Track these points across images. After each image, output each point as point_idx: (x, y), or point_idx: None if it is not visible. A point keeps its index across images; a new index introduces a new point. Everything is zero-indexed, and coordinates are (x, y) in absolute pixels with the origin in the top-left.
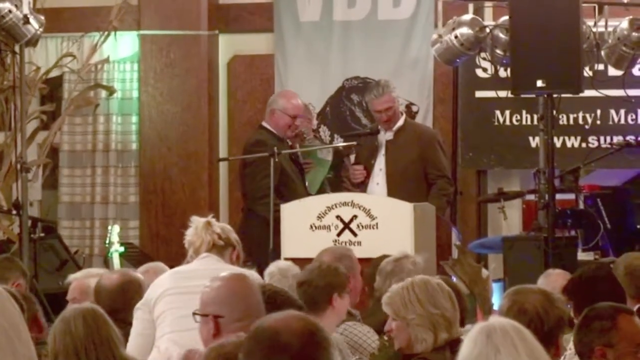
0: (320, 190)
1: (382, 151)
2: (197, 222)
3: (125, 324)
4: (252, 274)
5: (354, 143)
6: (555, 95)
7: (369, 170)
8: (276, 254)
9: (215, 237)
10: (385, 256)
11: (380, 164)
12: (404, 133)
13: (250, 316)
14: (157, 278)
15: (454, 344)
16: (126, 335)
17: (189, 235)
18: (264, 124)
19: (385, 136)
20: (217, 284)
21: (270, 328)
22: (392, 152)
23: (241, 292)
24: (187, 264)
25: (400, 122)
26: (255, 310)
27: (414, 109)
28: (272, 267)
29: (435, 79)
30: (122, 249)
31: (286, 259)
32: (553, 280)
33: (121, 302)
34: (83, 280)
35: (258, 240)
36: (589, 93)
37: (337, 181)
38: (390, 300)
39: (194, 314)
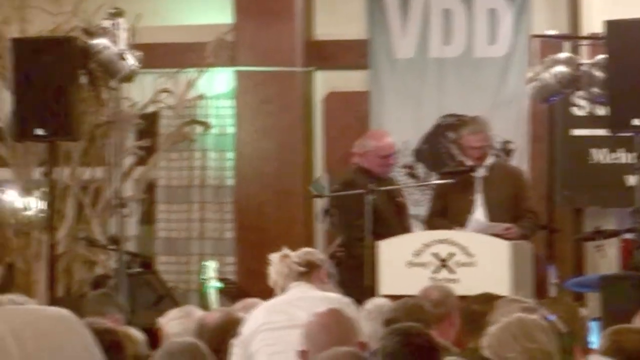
0: None
1: (479, 187)
2: (274, 258)
3: None
4: (348, 305)
5: (451, 180)
6: None
7: (467, 205)
8: (373, 291)
9: (295, 266)
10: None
11: (479, 199)
12: (496, 170)
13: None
14: (252, 313)
15: None
16: None
17: (271, 274)
18: (361, 163)
19: (479, 172)
20: (314, 320)
21: None
22: (488, 188)
23: (329, 327)
24: (279, 296)
25: (492, 159)
26: (344, 344)
27: (510, 146)
28: (369, 305)
29: (531, 117)
30: (218, 284)
31: (383, 296)
32: None
33: (222, 340)
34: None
35: (354, 278)
36: None
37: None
38: (488, 342)
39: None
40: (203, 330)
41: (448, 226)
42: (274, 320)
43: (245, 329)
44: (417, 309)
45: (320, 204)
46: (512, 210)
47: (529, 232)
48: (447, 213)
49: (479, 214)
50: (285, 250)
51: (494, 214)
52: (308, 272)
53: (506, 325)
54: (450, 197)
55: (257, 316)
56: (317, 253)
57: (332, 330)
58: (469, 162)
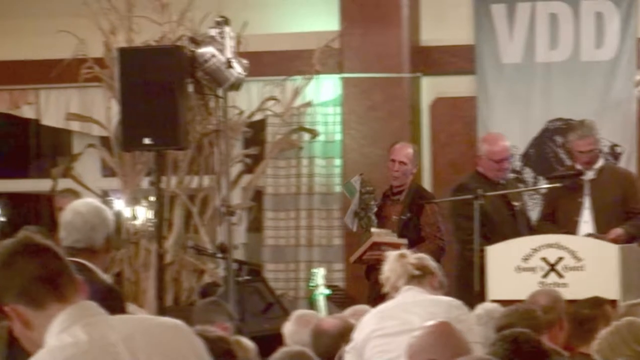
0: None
1: (587, 190)
2: (390, 256)
3: None
4: (460, 307)
5: (558, 185)
6: None
7: (575, 208)
8: (482, 296)
9: (410, 267)
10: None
11: (586, 202)
12: (605, 173)
13: None
14: (363, 319)
15: None
16: None
17: (385, 271)
18: (478, 168)
19: (587, 175)
20: (422, 332)
21: None
22: (596, 191)
23: (447, 339)
24: (390, 300)
25: (601, 162)
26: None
27: (618, 150)
28: (479, 310)
29: (638, 120)
30: (327, 291)
31: (492, 300)
32: None
33: (338, 346)
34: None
35: (465, 282)
36: None
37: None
38: (598, 346)
39: None
40: (319, 336)
41: (556, 231)
42: (386, 325)
43: (357, 336)
44: (530, 315)
45: (350, 206)
46: (620, 212)
47: (638, 232)
48: (555, 217)
49: (586, 217)
50: (404, 250)
51: (601, 217)
52: (422, 276)
53: (616, 329)
54: (559, 201)
55: (368, 322)
56: (431, 260)
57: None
58: (578, 166)
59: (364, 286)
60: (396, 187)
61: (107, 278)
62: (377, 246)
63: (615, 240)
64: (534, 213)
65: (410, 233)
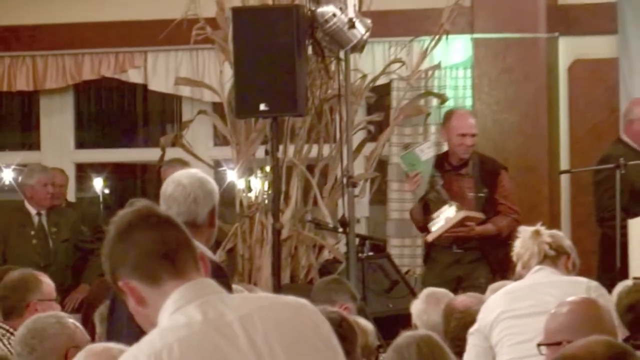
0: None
1: None
2: (524, 232)
3: None
4: (597, 288)
5: None
6: None
7: None
8: (624, 274)
9: (546, 246)
10: None
11: None
12: None
13: None
14: (489, 299)
15: None
16: None
17: (517, 247)
18: (622, 136)
19: None
20: (566, 309)
21: (573, 356)
22: None
23: (591, 318)
24: (520, 280)
25: None
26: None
27: None
28: (619, 287)
29: None
30: None
31: (635, 278)
32: None
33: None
34: None
35: (606, 259)
36: None
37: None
38: None
39: (539, 345)
40: (450, 316)
41: None
42: (517, 307)
43: (484, 317)
44: None
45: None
46: None
47: None
48: None
49: None
50: (539, 226)
51: None
52: (556, 256)
53: None
54: None
55: (497, 303)
56: (567, 239)
57: (597, 320)
58: None
59: None
60: (459, 159)
61: (211, 254)
62: (463, 222)
63: None
64: None
65: (489, 209)
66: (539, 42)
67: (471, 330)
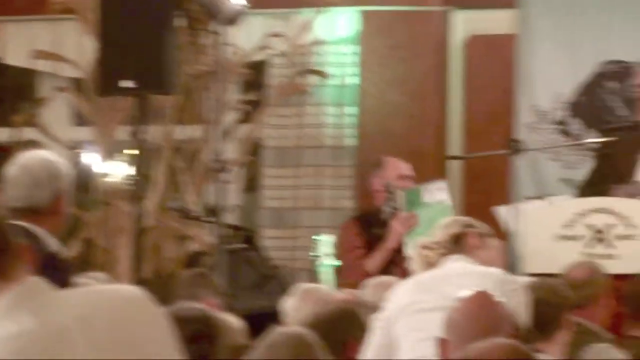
0: None
1: None
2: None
3: None
4: (513, 282)
5: (614, 139)
6: None
7: (633, 166)
8: (514, 269)
9: (434, 253)
10: None
11: None
12: None
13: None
14: (398, 288)
15: None
16: None
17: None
18: None
19: None
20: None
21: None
22: None
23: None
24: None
25: None
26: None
27: None
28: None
29: None
30: (334, 262)
31: (527, 274)
32: None
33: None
34: None
35: None
36: None
37: None
38: None
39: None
40: (319, 317)
41: (607, 192)
42: (420, 299)
43: (390, 309)
44: (555, 290)
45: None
46: None
47: None
48: (608, 178)
49: None
50: (424, 240)
51: None
52: (454, 249)
53: None
54: (613, 158)
55: (404, 293)
56: (457, 220)
57: (479, 319)
58: (633, 117)
59: None
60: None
61: (55, 244)
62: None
63: None
64: (580, 172)
65: None
66: (432, 16)
67: (380, 316)
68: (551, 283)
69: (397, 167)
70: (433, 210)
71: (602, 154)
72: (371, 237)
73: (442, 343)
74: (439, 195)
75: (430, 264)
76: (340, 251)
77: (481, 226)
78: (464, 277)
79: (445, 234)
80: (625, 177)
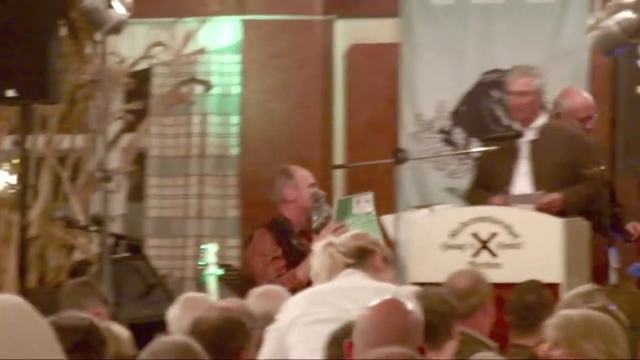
0: None
1: (525, 153)
2: (316, 248)
3: None
4: (409, 297)
5: (495, 148)
6: None
7: (509, 176)
8: (400, 278)
9: (340, 257)
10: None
11: (523, 167)
12: (550, 132)
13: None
14: (290, 300)
15: None
16: None
17: (313, 267)
18: None
19: (526, 136)
20: (368, 312)
21: None
22: (538, 154)
23: (380, 323)
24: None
25: (543, 119)
26: (395, 340)
27: None
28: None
29: (591, 72)
30: (219, 271)
31: (412, 283)
32: None
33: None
34: None
35: None
36: None
37: None
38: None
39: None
40: (200, 327)
41: (489, 200)
42: (315, 311)
43: (282, 319)
44: (441, 299)
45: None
46: (568, 180)
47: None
48: (490, 186)
49: (523, 183)
50: (331, 238)
51: (542, 185)
52: (358, 262)
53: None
54: (495, 167)
55: (297, 304)
56: (368, 236)
57: (387, 326)
58: (517, 126)
59: None
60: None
61: None
62: None
63: (549, 206)
64: (464, 181)
65: None
66: (315, 25)
67: (271, 327)
68: (439, 292)
69: (305, 176)
70: (360, 221)
71: (480, 163)
72: (290, 248)
73: (348, 346)
74: (365, 207)
75: (331, 266)
76: (254, 259)
77: (385, 249)
78: (361, 292)
79: (354, 245)
80: (503, 186)
